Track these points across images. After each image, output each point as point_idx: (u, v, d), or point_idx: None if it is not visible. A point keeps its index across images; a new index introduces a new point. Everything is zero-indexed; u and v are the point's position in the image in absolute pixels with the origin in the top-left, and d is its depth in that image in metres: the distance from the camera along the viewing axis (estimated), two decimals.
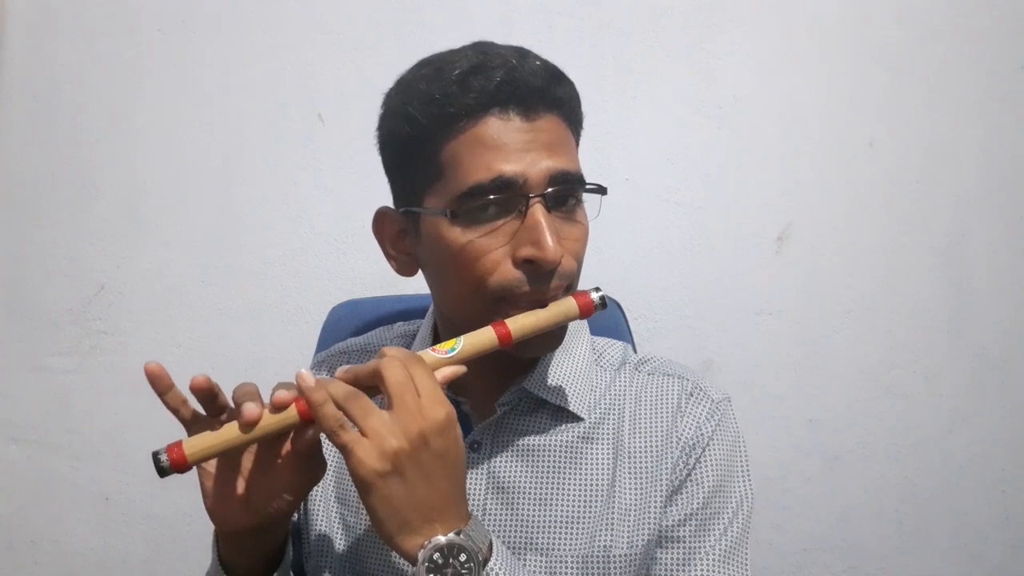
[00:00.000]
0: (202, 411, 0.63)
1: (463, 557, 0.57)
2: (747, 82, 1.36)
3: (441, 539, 0.57)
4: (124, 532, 1.37)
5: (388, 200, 0.78)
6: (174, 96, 1.37)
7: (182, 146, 1.37)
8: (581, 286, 0.72)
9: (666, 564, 0.71)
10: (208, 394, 0.62)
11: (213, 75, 1.37)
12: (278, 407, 0.60)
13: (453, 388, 0.76)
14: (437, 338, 0.80)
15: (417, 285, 0.80)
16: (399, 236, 0.76)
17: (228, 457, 0.63)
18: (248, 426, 0.59)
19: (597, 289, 0.69)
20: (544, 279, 0.67)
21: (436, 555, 0.57)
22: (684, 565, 0.71)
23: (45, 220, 1.38)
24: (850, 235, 1.36)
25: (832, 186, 1.36)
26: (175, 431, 0.64)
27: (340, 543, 0.77)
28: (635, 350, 1.00)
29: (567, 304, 0.68)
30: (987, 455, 1.37)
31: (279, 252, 1.36)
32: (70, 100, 1.38)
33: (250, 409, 0.59)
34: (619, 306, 1.05)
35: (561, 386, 0.76)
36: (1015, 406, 1.38)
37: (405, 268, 0.77)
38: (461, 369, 0.65)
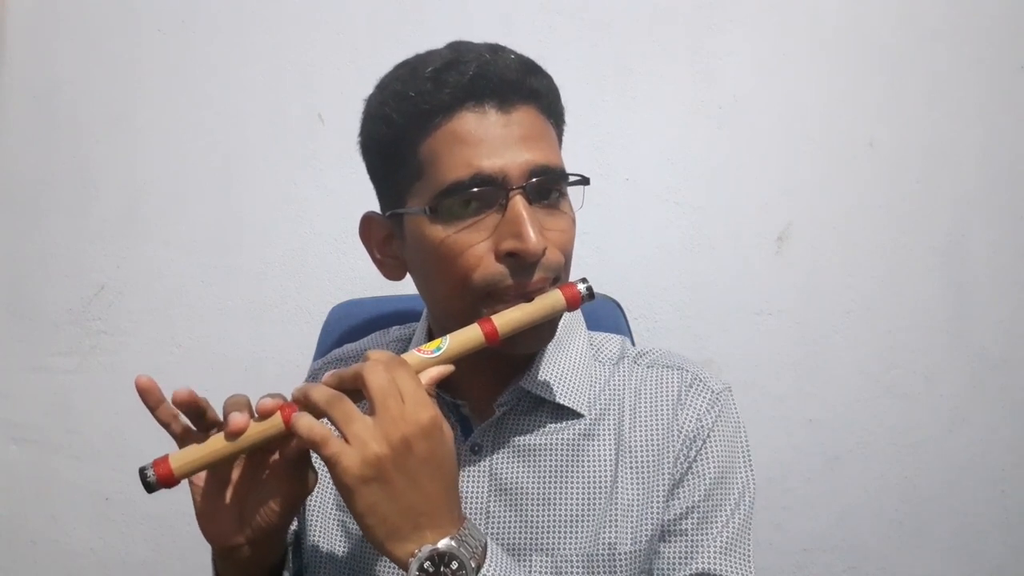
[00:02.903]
0: (191, 426, 0.62)
1: (455, 565, 0.56)
2: (747, 82, 1.36)
3: (431, 547, 0.57)
4: (124, 532, 1.37)
5: None
6: (174, 96, 1.37)
7: (182, 146, 1.37)
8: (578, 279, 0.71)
9: (669, 558, 0.71)
10: (194, 408, 0.61)
11: (213, 75, 1.37)
12: (263, 415, 0.60)
13: (451, 390, 0.75)
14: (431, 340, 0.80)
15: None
16: (386, 241, 0.76)
17: (217, 470, 0.62)
18: (233, 435, 0.59)
19: (584, 280, 0.68)
20: (527, 272, 0.66)
21: (427, 563, 0.56)
22: (687, 558, 0.71)
23: (45, 220, 1.38)
24: (850, 235, 1.36)
25: (832, 186, 1.36)
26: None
27: (341, 550, 0.77)
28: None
29: (553, 296, 0.67)
30: (987, 455, 1.37)
31: (279, 252, 1.36)
32: (70, 100, 1.38)
33: (235, 418, 0.59)
34: (619, 306, 1.05)
35: (559, 383, 0.75)
36: (1015, 406, 1.38)
37: (393, 272, 0.76)
38: (448, 369, 0.64)
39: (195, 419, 0.62)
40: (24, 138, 1.38)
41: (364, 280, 1.35)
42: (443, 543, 0.57)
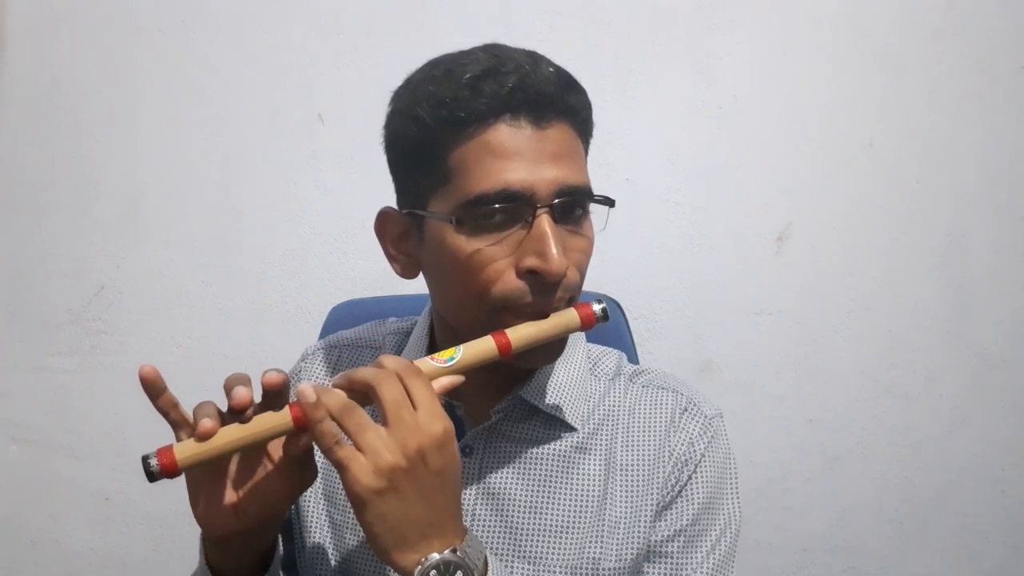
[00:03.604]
0: (190, 416, 0.61)
1: (459, 574, 0.57)
2: (747, 82, 1.36)
3: (437, 556, 0.57)
4: (124, 532, 1.37)
5: (388, 200, 0.77)
6: (174, 96, 1.37)
7: (182, 146, 1.37)
8: (594, 298, 0.71)
9: None
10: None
11: (213, 75, 1.37)
12: (268, 386, 0.59)
13: (448, 392, 0.75)
14: (433, 338, 0.79)
15: (417, 285, 0.80)
16: (401, 237, 0.75)
17: (218, 463, 0.62)
18: (236, 411, 0.59)
19: (599, 300, 0.68)
20: (548, 291, 0.66)
21: (432, 573, 0.56)
22: None
23: (45, 220, 1.38)
24: (850, 235, 1.36)
25: (832, 186, 1.36)
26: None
27: (329, 542, 0.77)
28: (635, 350, 1.00)
29: (568, 315, 0.67)
30: (987, 455, 1.37)
31: (279, 252, 1.36)
32: (70, 100, 1.38)
33: (240, 392, 0.58)
34: (619, 306, 1.05)
35: (558, 396, 0.75)
36: (1015, 406, 1.38)
37: (407, 270, 0.76)
38: (459, 379, 0.63)
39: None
40: (24, 138, 1.38)
41: (364, 280, 1.35)
42: (448, 553, 0.57)
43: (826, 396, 1.36)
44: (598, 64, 1.35)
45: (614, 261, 1.34)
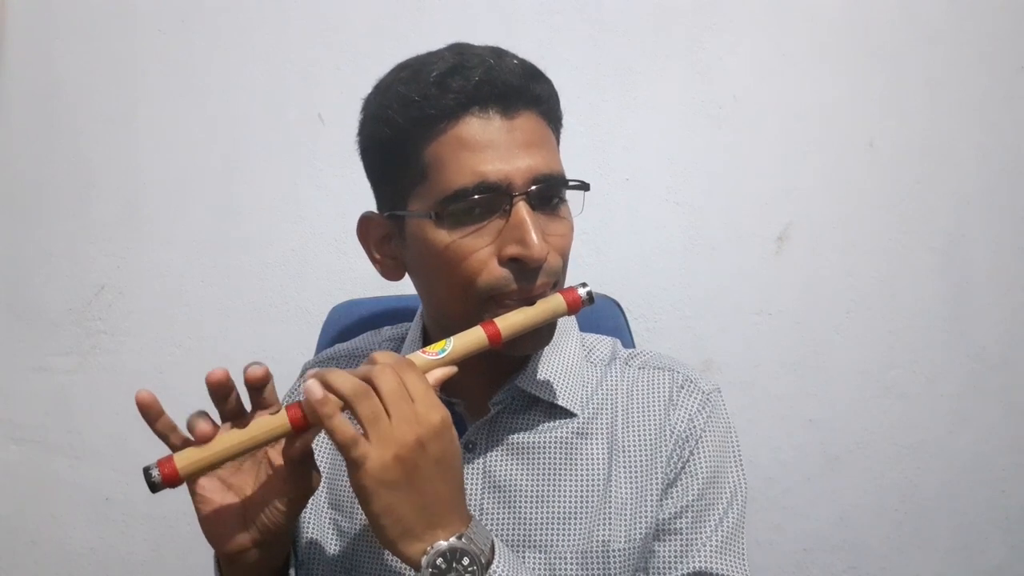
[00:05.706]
0: (191, 437, 0.61)
1: (466, 561, 0.57)
2: (747, 82, 1.36)
3: (443, 544, 0.57)
4: (124, 532, 1.37)
5: None
6: (174, 96, 1.37)
7: (182, 146, 1.37)
8: (578, 283, 0.72)
9: (664, 557, 0.72)
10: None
11: (213, 75, 1.37)
12: (251, 381, 0.62)
13: (446, 389, 0.75)
14: (427, 341, 0.80)
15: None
16: (384, 240, 0.76)
17: (218, 474, 0.63)
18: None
19: (584, 285, 0.69)
20: (531, 277, 0.68)
21: (439, 560, 0.57)
22: (682, 557, 0.71)
23: (45, 220, 1.38)
24: (850, 235, 1.36)
25: (832, 186, 1.36)
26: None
27: (334, 549, 0.77)
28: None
29: (555, 301, 0.68)
30: (987, 455, 1.37)
31: (279, 252, 1.36)
32: (70, 100, 1.38)
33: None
34: (619, 306, 1.05)
35: (553, 383, 0.76)
36: (1015, 406, 1.38)
37: (391, 272, 0.77)
38: (452, 370, 0.65)
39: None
40: (24, 138, 1.38)
41: (364, 280, 1.35)
42: (454, 540, 0.58)
43: (826, 396, 1.36)
44: (598, 64, 1.35)
45: (614, 261, 1.35)
